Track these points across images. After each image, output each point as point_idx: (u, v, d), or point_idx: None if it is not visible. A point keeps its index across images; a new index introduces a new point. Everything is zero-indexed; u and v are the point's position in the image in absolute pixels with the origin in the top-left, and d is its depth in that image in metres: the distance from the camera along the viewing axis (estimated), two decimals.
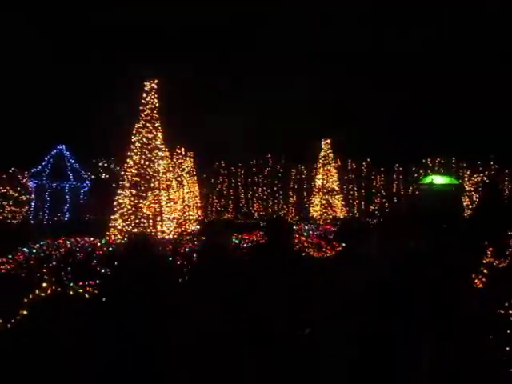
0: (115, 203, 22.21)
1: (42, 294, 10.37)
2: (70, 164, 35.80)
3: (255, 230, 24.91)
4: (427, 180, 36.36)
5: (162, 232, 21.64)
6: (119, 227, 21.49)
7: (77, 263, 16.49)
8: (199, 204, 33.46)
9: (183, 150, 30.98)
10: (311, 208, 35.99)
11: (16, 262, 14.93)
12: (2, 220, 34.99)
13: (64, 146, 35.86)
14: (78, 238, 22.05)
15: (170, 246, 20.38)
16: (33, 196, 36.03)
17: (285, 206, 43.29)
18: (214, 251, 4.91)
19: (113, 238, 21.33)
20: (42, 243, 19.74)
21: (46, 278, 11.46)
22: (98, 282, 14.84)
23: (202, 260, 5.48)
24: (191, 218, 26.52)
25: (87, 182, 36.44)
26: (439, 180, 36.06)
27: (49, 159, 35.75)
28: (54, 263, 16.63)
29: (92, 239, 21.79)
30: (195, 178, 33.30)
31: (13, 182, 37.06)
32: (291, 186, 43.37)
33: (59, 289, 10.54)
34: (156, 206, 21.71)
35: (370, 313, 4.03)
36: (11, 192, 36.64)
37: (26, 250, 18.18)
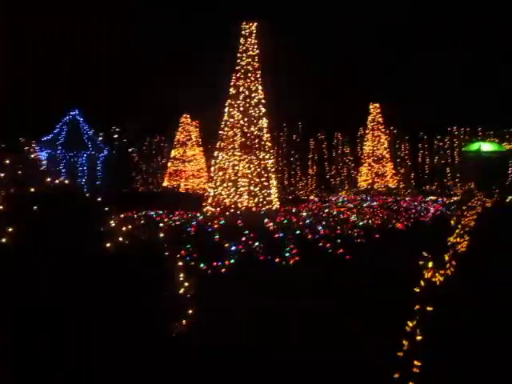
0: (213, 169, 18.62)
1: None
2: (86, 131, 31.17)
3: None
4: (474, 147, 34.62)
5: (270, 202, 18.31)
6: (221, 197, 17.99)
7: (198, 241, 13.49)
8: None
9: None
10: (359, 177, 33.15)
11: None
12: None
13: (77, 111, 31.13)
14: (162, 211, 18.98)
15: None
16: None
17: (308, 177, 40.49)
18: None
19: (212, 209, 17.83)
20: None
21: None
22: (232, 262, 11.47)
23: None
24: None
25: (105, 151, 31.91)
26: (487, 147, 34.40)
27: (61, 126, 31.00)
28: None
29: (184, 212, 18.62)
30: None
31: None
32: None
33: None
34: (262, 171, 18.31)
35: None
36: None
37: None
